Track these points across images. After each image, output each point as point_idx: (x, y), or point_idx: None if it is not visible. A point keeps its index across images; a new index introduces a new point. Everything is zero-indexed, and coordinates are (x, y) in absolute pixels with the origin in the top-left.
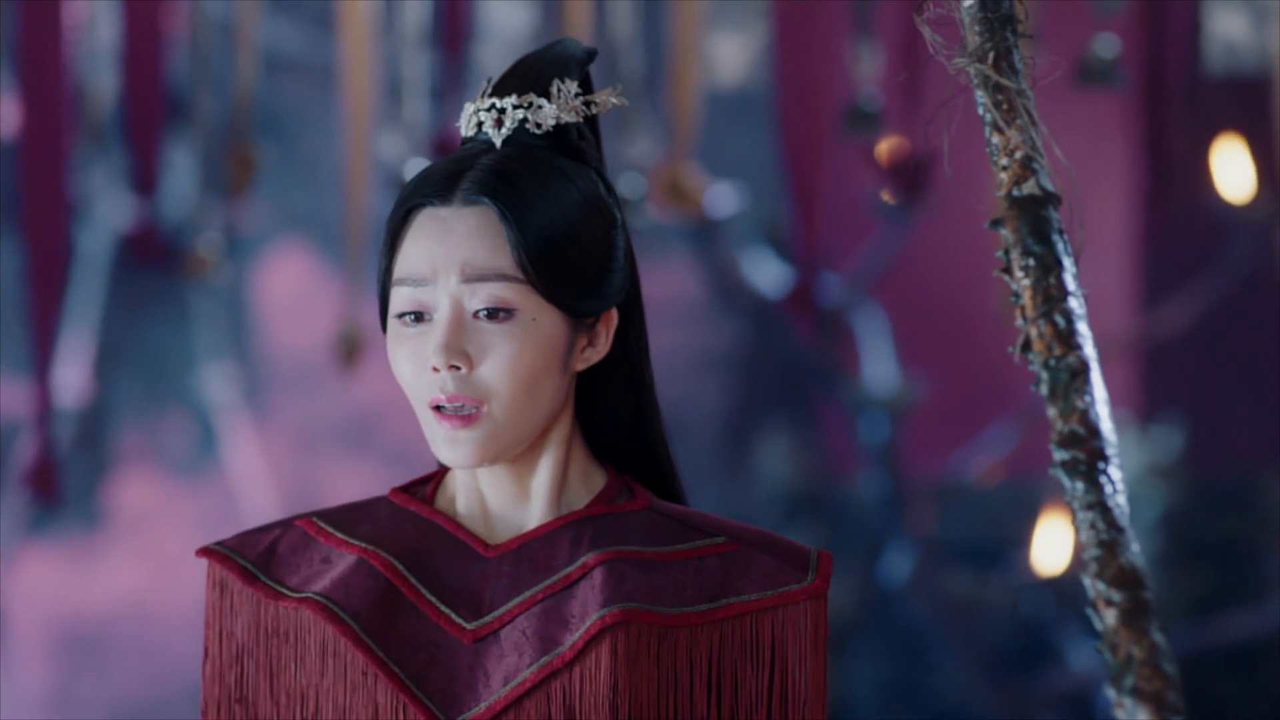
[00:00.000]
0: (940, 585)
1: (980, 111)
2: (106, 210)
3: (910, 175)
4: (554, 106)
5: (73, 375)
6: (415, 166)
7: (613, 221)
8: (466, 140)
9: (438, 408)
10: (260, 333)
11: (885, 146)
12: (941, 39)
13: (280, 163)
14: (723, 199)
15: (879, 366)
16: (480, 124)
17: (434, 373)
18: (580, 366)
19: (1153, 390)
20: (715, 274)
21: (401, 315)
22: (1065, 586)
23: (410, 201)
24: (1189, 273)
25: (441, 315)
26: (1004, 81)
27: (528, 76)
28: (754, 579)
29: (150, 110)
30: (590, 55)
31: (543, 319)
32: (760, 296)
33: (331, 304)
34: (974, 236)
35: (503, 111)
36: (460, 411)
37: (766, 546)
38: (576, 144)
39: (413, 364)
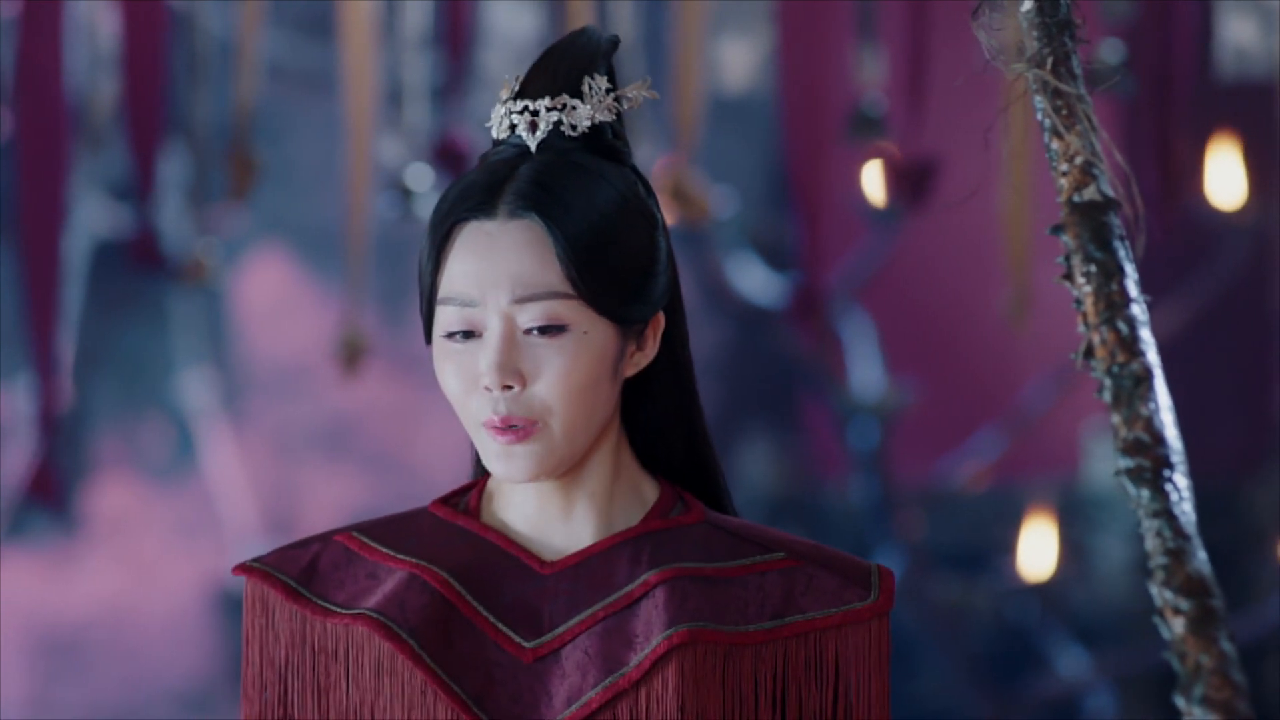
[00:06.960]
0: (927, 591)
1: (1039, 117)
2: (85, 215)
3: (914, 181)
4: (588, 107)
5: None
6: (416, 172)
7: (654, 223)
8: (498, 143)
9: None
10: (239, 338)
11: (889, 151)
12: (996, 44)
13: (260, 167)
14: (716, 203)
15: (866, 372)
16: (513, 126)
17: (486, 391)
18: (630, 372)
19: None
20: (701, 279)
21: (450, 334)
22: (1051, 592)
23: (453, 216)
24: (1177, 277)
25: (493, 333)
26: (1063, 87)
27: (557, 74)
28: (817, 596)
29: (149, 116)
30: (614, 44)
31: (594, 331)
32: (746, 302)
33: (312, 309)
34: (962, 242)
35: (536, 114)
36: (515, 428)
37: (827, 562)
38: (611, 143)
39: (462, 381)
